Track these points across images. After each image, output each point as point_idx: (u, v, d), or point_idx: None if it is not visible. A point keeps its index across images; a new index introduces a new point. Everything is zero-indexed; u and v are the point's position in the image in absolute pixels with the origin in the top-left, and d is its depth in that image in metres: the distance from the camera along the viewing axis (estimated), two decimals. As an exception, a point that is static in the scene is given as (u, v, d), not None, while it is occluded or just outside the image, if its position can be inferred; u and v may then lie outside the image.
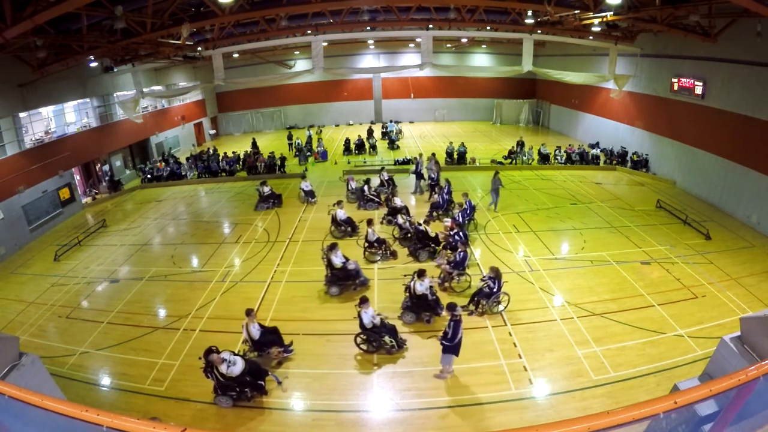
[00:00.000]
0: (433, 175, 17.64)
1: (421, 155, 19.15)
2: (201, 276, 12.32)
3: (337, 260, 10.73)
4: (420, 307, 9.42)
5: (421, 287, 9.33)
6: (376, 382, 8.02)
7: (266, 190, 17.49)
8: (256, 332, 8.37)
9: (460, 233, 12.03)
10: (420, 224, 12.83)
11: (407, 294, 9.73)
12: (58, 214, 17.51)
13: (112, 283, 12.27)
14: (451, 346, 7.59)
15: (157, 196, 20.43)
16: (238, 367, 7.29)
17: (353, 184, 17.79)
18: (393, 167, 22.06)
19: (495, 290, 9.66)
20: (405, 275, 10.97)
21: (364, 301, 8.44)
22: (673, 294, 10.54)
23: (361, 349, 8.62)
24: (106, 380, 8.43)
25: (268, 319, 9.98)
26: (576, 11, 15.34)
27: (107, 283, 12.31)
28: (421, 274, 9.46)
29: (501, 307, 9.91)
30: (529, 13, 17.09)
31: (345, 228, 14.22)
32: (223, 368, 7.16)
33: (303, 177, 17.75)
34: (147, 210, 18.54)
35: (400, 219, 13.49)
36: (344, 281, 10.83)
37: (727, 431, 3.22)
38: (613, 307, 10.01)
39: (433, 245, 12.37)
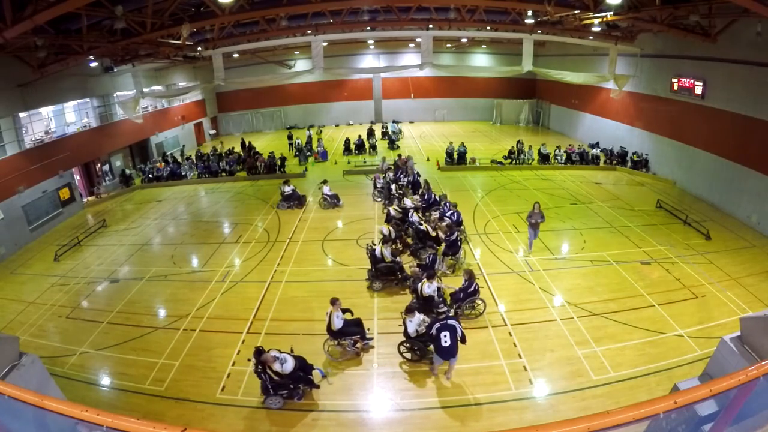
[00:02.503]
0: (409, 178, 17.63)
1: (384, 159, 18.96)
2: (201, 276, 12.32)
3: (389, 255, 10.91)
4: (427, 309, 9.31)
5: (428, 289, 9.32)
6: (376, 382, 8.02)
7: (287, 189, 17.30)
8: (338, 322, 8.40)
9: (454, 234, 11.98)
10: (421, 224, 12.83)
11: (414, 296, 9.71)
12: (58, 214, 17.50)
13: (112, 283, 12.26)
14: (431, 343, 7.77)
15: (157, 196, 20.43)
16: (289, 364, 7.29)
17: (380, 182, 17.78)
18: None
19: (469, 293, 9.56)
20: (411, 277, 10.98)
21: (410, 310, 8.34)
22: (673, 294, 10.53)
23: (404, 357, 8.50)
24: (106, 380, 8.42)
25: (268, 320, 9.99)
26: (576, 11, 15.35)
27: (107, 283, 12.31)
28: (430, 276, 9.46)
29: (475, 313, 9.79)
30: (529, 13, 17.10)
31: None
32: (276, 366, 7.15)
33: (324, 182, 17.46)
34: (147, 210, 18.54)
35: (415, 217, 13.33)
36: (388, 276, 10.95)
37: (727, 431, 3.22)
38: (613, 307, 10.01)
39: (434, 244, 12.35)
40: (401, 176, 17.85)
